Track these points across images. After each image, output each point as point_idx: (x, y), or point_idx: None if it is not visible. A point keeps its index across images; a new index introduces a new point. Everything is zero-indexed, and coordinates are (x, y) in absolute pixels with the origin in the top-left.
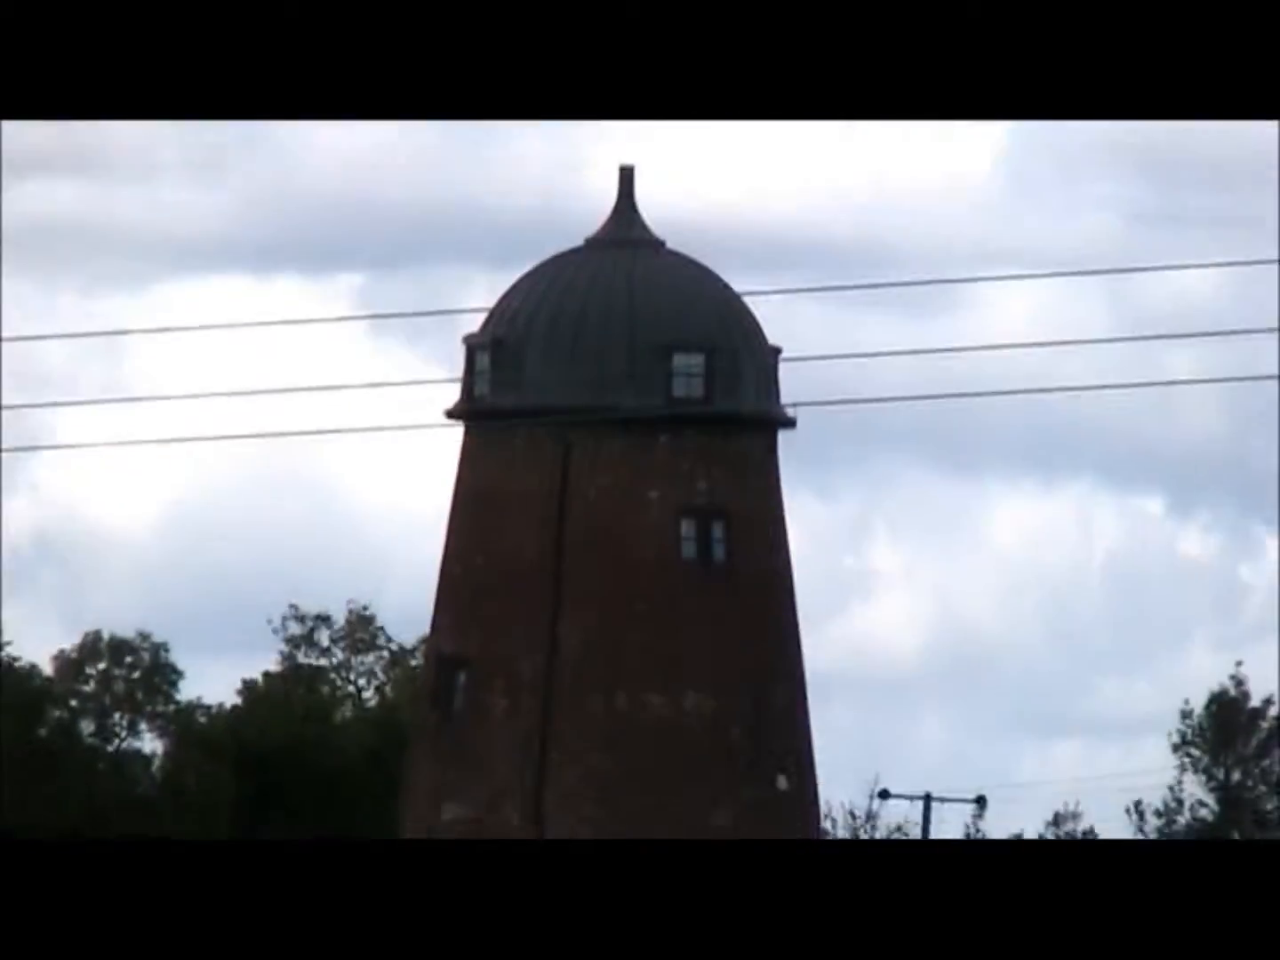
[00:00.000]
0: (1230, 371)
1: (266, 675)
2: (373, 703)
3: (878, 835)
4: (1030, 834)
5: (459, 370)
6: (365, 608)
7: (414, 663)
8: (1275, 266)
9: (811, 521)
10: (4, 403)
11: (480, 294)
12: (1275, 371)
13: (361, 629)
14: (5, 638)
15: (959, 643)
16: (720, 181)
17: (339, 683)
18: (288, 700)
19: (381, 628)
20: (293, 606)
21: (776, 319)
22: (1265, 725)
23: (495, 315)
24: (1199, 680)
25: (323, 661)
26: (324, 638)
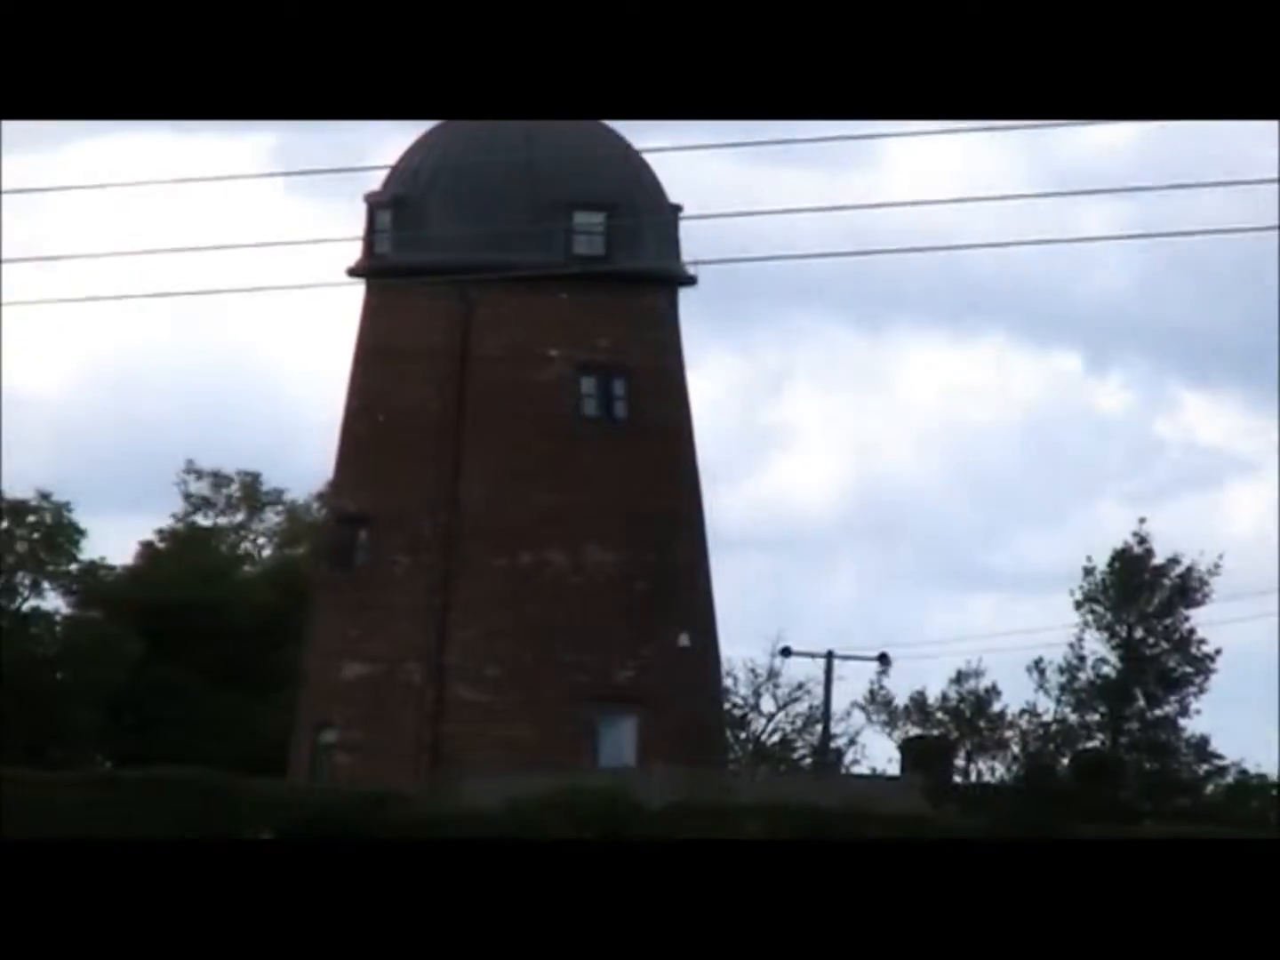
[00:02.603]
0: (1145, 227)
1: (160, 532)
2: (272, 561)
3: (779, 693)
4: (932, 692)
5: (361, 228)
6: (257, 476)
7: (313, 519)
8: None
9: (713, 378)
10: None
11: (384, 152)
12: (1191, 227)
13: (254, 491)
14: None
15: (864, 499)
16: None
17: (238, 542)
18: (186, 559)
19: (278, 490)
20: (189, 462)
21: (678, 177)
22: (1168, 583)
23: (397, 173)
24: (1106, 537)
25: (221, 520)
26: (221, 499)
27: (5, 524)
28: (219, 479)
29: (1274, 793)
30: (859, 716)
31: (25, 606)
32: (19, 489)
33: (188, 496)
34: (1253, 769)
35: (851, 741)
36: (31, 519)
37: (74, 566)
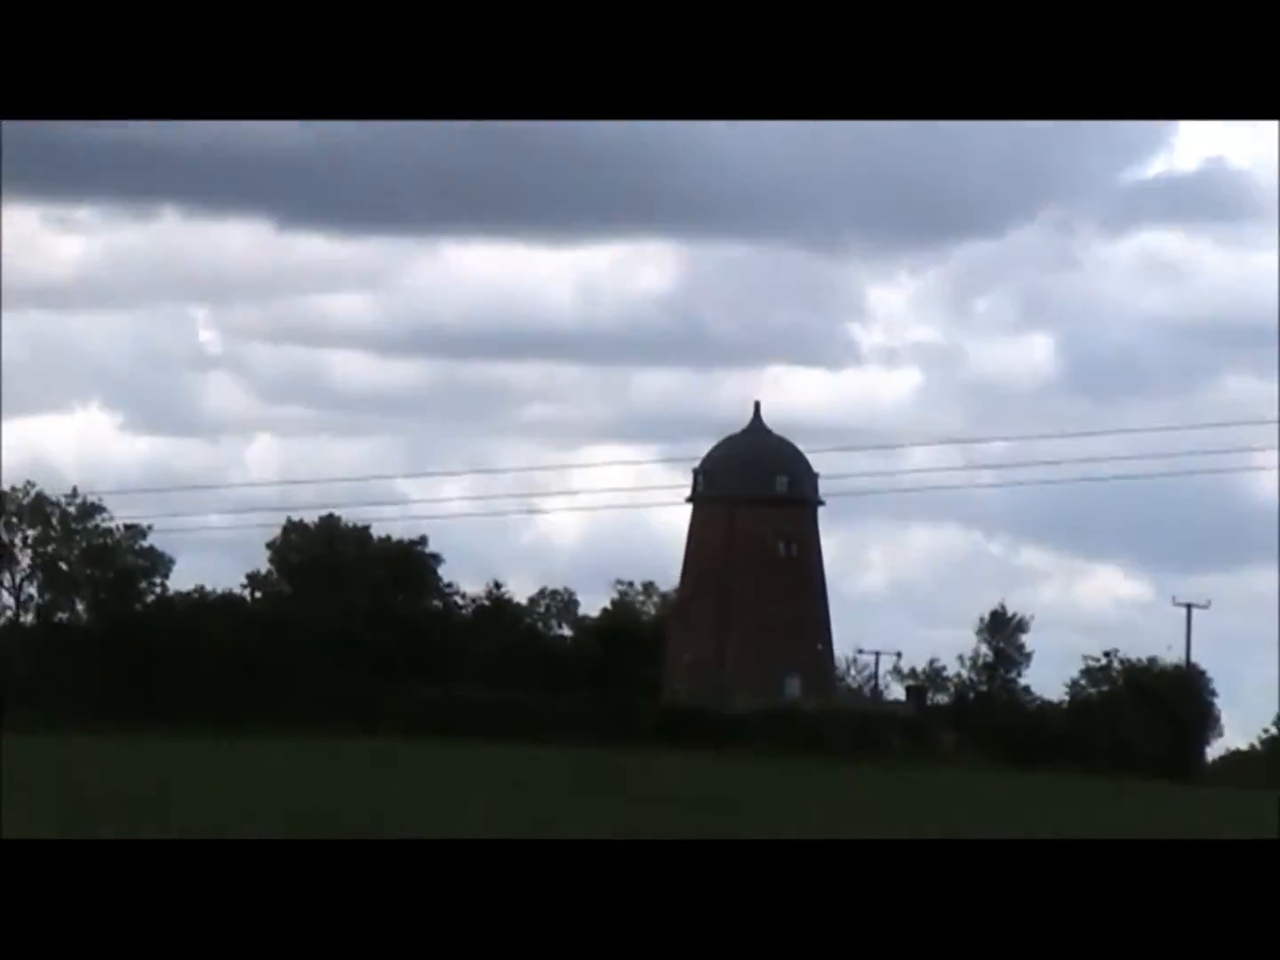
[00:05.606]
0: None
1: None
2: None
3: None
4: None
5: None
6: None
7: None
8: None
9: None
10: None
11: (697, 454)
12: None
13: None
14: None
15: None
16: None
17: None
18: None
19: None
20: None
21: None
22: None
23: (704, 462)
24: None
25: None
26: (641, 594)
27: None
28: (645, 586)
29: None
30: None
31: None
32: None
33: (622, 594)
34: None
35: None
36: None
37: None
